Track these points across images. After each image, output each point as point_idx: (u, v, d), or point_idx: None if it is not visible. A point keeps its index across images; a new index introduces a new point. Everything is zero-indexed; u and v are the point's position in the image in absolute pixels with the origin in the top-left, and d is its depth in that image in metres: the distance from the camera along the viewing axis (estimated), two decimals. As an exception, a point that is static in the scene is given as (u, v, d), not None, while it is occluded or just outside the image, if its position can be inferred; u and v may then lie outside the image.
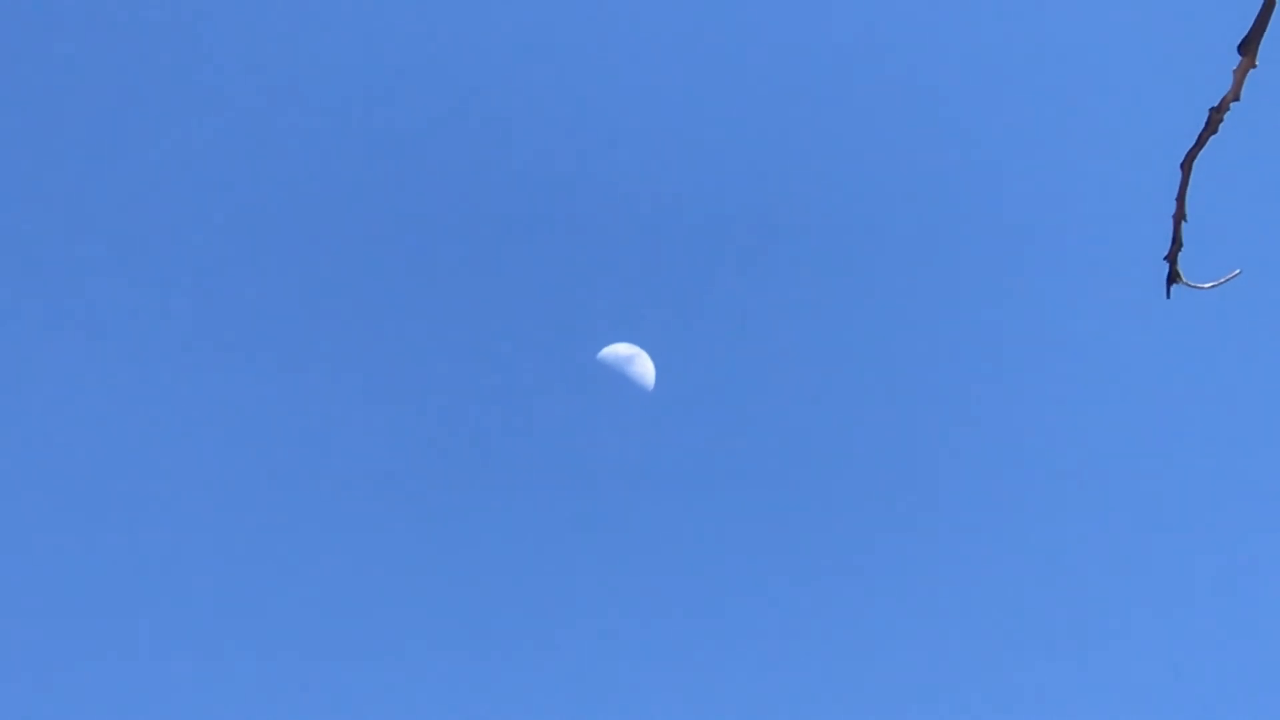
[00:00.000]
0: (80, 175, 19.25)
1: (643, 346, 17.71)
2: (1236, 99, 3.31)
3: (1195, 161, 3.36)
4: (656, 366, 17.68)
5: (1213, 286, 3.42)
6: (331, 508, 19.53)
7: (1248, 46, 3.28)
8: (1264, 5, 3.25)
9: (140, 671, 18.80)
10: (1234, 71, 3.30)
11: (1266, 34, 3.27)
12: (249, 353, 19.50)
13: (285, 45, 19.83)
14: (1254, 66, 3.30)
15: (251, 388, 19.47)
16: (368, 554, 19.51)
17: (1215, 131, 3.34)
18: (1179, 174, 3.36)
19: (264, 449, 19.49)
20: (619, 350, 17.68)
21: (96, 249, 19.34)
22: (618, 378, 17.59)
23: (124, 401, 19.33)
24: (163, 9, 19.41)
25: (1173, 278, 3.40)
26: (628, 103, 20.14)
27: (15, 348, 19.21)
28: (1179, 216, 3.39)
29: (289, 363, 19.60)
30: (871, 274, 19.98)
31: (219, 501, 19.29)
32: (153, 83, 19.52)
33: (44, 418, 19.17)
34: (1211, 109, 3.32)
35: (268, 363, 19.56)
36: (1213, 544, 19.51)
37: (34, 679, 18.55)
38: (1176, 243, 3.40)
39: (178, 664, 18.81)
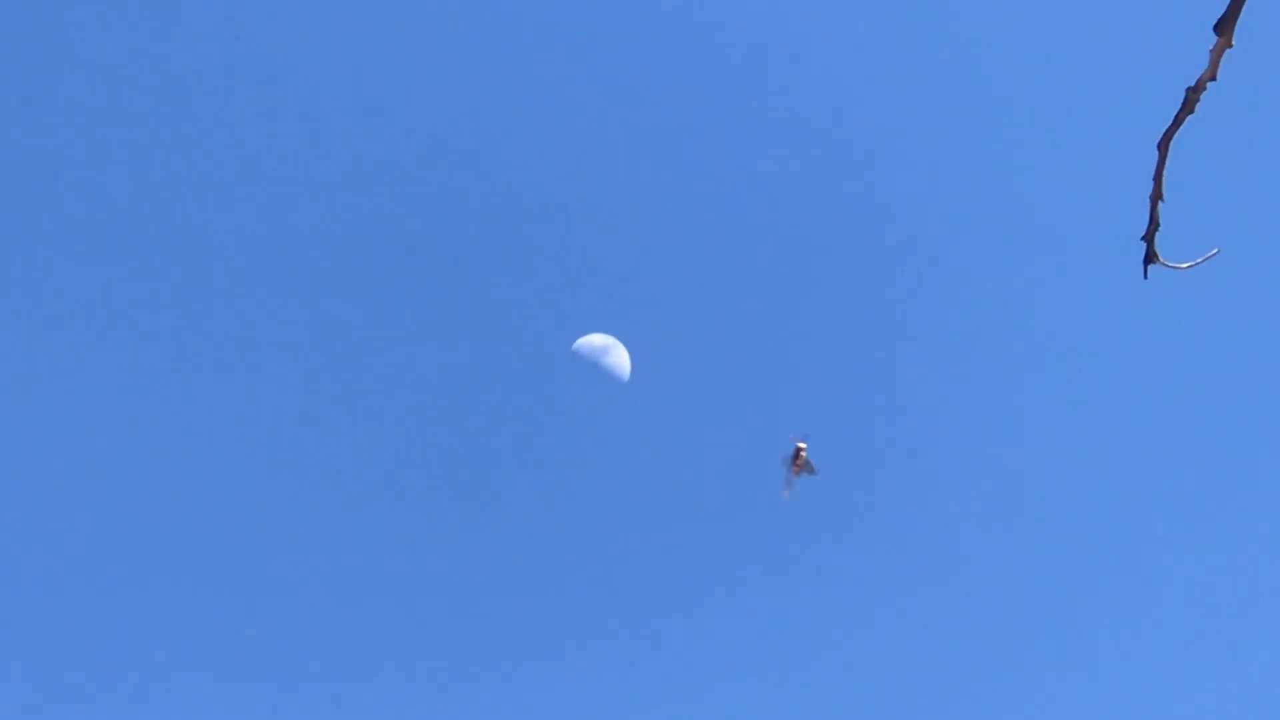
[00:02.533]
0: (78, 176, 19.20)
1: (618, 337, 17.70)
2: (1213, 79, 3.32)
3: (1172, 141, 3.36)
4: (632, 357, 17.66)
5: (1190, 266, 3.42)
6: (304, 505, 19.48)
7: (1224, 26, 3.28)
8: (1240, -15, 3.25)
9: (139, 673, 18.77)
10: (1210, 51, 3.30)
11: (1242, 14, 3.28)
12: (232, 350, 19.46)
13: (278, 51, 19.78)
14: (1230, 46, 3.30)
15: (227, 382, 19.43)
16: (342, 546, 19.48)
17: (1192, 111, 3.34)
18: (1156, 154, 3.37)
19: (241, 438, 19.46)
20: (594, 340, 17.66)
21: (95, 252, 19.30)
22: (593, 368, 17.57)
23: (123, 406, 19.29)
24: (161, 10, 19.37)
25: (1150, 258, 3.40)
26: (602, 98, 20.13)
27: (14, 349, 19.17)
28: (1156, 196, 3.39)
29: (261, 353, 19.55)
30: (850, 265, 20.00)
31: (214, 503, 19.26)
32: (152, 84, 19.47)
33: (43, 419, 19.13)
34: (1188, 89, 3.32)
35: (245, 353, 19.52)
36: (1206, 536, 19.58)
37: (33, 678, 18.53)
38: (1154, 223, 3.40)
39: (176, 667, 18.80)
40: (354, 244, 19.70)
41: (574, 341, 17.79)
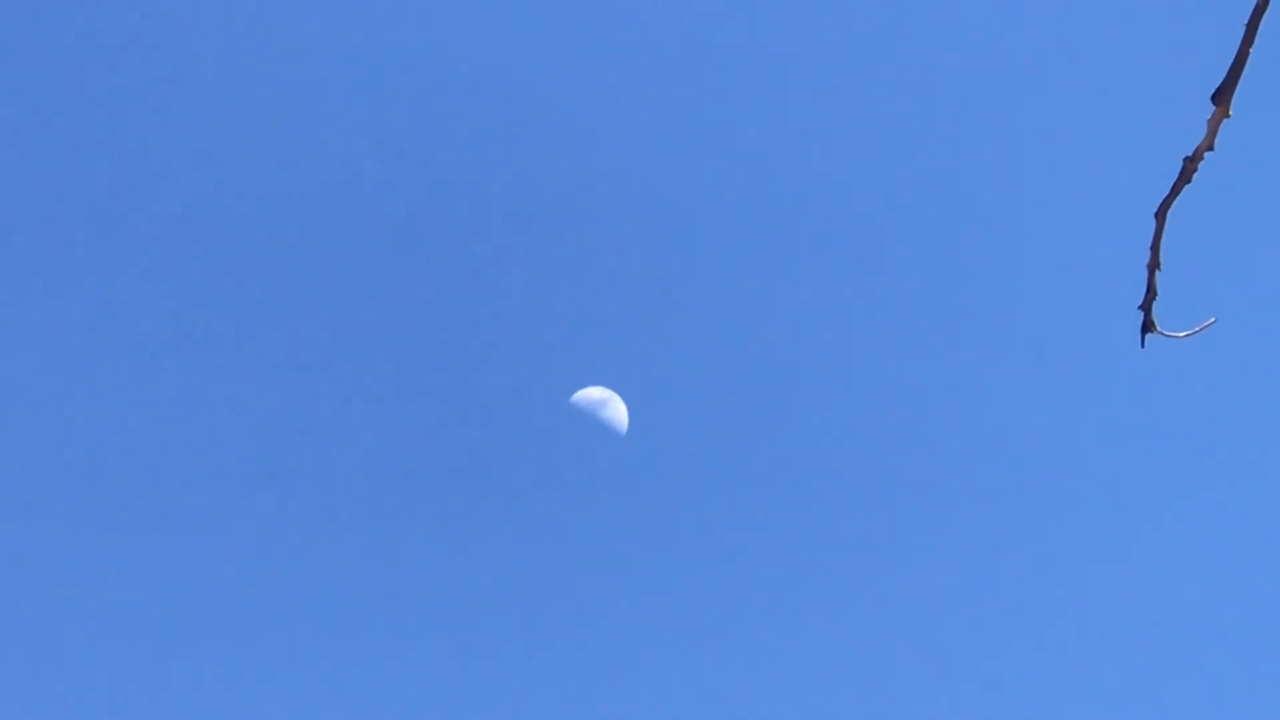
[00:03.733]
0: (76, 172, 19.23)
1: (616, 390, 17.71)
2: (1210, 148, 3.32)
3: (1170, 210, 3.36)
4: (630, 410, 17.67)
5: (1187, 335, 3.42)
6: (300, 552, 19.47)
7: (1222, 96, 3.29)
8: (1238, 55, 3.26)
9: (138, 672, 18.75)
10: (1208, 120, 3.30)
11: (1240, 83, 3.28)
12: (234, 370, 19.47)
13: (285, 49, 19.83)
14: (1228, 116, 3.30)
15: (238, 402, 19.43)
16: (341, 594, 19.45)
17: (1189, 180, 3.34)
18: (1153, 223, 3.37)
19: (244, 471, 19.44)
20: (592, 394, 17.67)
21: (94, 248, 19.32)
22: (590, 422, 17.57)
23: (120, 402, 19.29)
24: (158, 9, 19.42)
25: (1147, 327, 3.40)
26: (601, 146, 20.19)
27: (12, 347, 19.17)
28: (1153, 265, 3.39)
29: (257, 392, 19.56)
30: (847, 316, 20.02)
31: (211, 504, 19.25)
32: (150, 82, 19.52)
33: (40, 416, 19.13)
34: (1186, 158, 3.33)
35: (240, 383, 19.52)
36: (1205, 537, 19.59)
37: (33, 678, 18.50)
38: (1151, 292, 3.40)
39: (174, 665, 18.78)
40: (352, 298, 19.72)
41: (571, 395, 17.80)
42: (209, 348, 19.44)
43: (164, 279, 19.42)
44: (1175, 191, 3.34)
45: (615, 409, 17.59)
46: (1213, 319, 3.44)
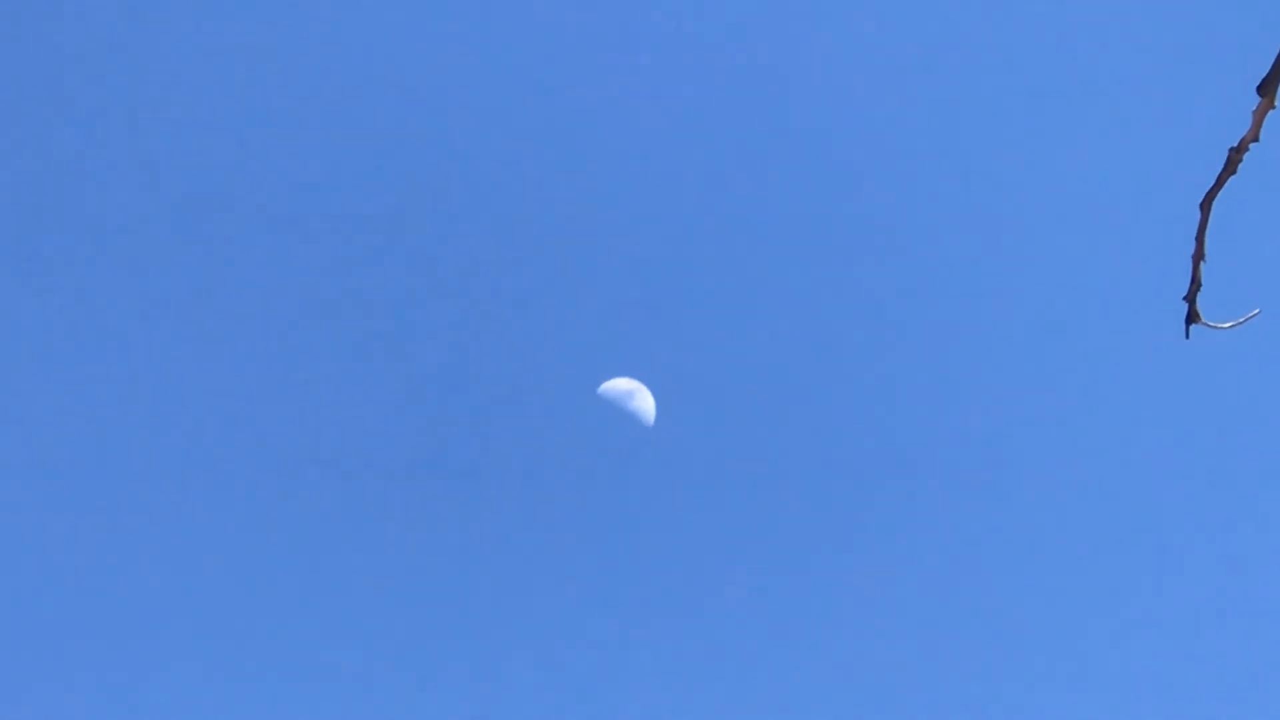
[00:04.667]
0: (73, 170, 19.27)
1: (643, 381, 17.72)
2: (1256, 140, 3.33)
3: (1215, 201, 3.38)
4: (657, 401, 17.68)
5: (1232, 326, 3.43)
6: (330, 545, 19.50)
7: (1267, 88, 3.30)
8: (1283, 47, 3.26)
9: (136, 670, 18.78)
10: (1253, 113, 3.32)
11: (1286, 75, 3.29)
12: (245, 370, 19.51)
13: (286, 49, 19.87)
14: (1273, 108, 3.32)
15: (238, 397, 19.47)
16: (371, 586, 19.47)
17: (1234, 172, 3.35)
18: (1198, 214, 3.38)
19: (264, 468, 19.47)
20: (619, 385, 17.68)
21: (92, 246, 19.36)
22: (618, 413, 17.59)
23: (120, 398, 19.33)
24: (155, 8, 19.45)
25: (1192, 317, 3.42)
26: (629, 140, 20.19)
27: (10, 344, 19.22)
28: (1198, 256, 3.40)
29: (287, 389, 19.59)
30: (872, 307, 20.01)
31: (207, 502, 19.28)
32: (147, 80, 19.56)
33: (38, 413, 19.17)
34: (1231, 149, 3.34)
35: (264, 383, 19.56)
36: (1203, 539, 19.54)
37: (31, 678, 18.53)
38: (1195, 282, 3.41)
39: (172, 662, 18.80)
40: (381, 286, 19.75)
41: (599, 386, 17.81)
42: (244, 340, 19.48)
43: (176, 273, 19.46)
44: (1220, 183, 3.35)
45: (643, 400, 17.61)
46: (1257, 310, 3.45)
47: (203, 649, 18.95)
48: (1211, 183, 3.36)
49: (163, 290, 19.40)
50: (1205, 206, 3.38)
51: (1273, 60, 3.28)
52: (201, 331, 19.38)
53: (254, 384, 19.47)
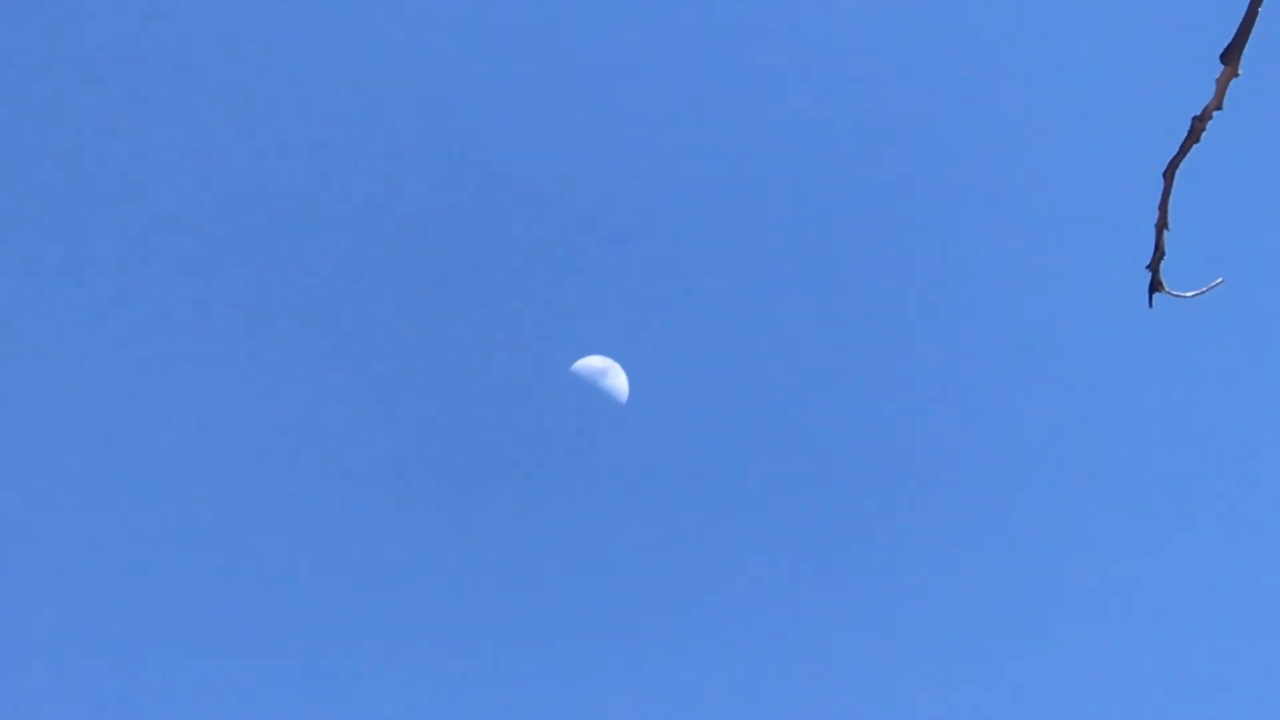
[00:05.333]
0: (69, 170, 19.22)
1: (617, 359, 17.70)
2: (1219, 107, 3.31)
3: (1178, 170, 3.36)
4: (630, 379, 17.66)
5: (1195, 295, 3.41)
6: (294, 517, 19.47)
7: (1230, 55, 3.28)
8: (1247, 13, 3.25)
9: (134, 671, 18.77)
10: (1217, 80, 3.30)
11: (1249, 42, 3.27)
12: (227, 356, 19.47)
13: (278, 47, 19.80)
14: (1237, 75, 3.29)
15: (215, 387, 19.43)
16: (334, 557, 19.46)
17: (1198, 140, 3.33)
18: (1161, 182, 3.36)
19: (234, 444, 19.45)
20: (593, 363, 17.66)
21: (92, 248, 19.31)
22: (591, 390, 17.57)
23: (113, 398, 19.30)
24: (160, 8, 19.40)
25: (1155, 286, 3.40)
26: (600, 115, 20.15)
27: (12, 346, 19.18)
28: (1161, 225, 3.38)
29: (261, 367, 19.55)
30: (850, 282, 20.01)
31: (200, 499, 19.26)
32: (142, 79, 19.49)
33: (40, 417, 19.14)
34: (1194, 117, 3.32)
35: (244, 359, 19.52)
36: (1200, 537, 19.60)
37: (31, 679, 18.53)
38: (1159, 251, 3.39)
39: (169, 662, 18.81)
40: (351, 264, 19.70)
41: (572, 364, 17.79)
42: (198, 323, 19.44)
43: (154, 266, 19.41)
44: (1184, 151, 3.33)
45: (616, 378, 17.60)
46: (1220, 279, 3.43)
47: (191, 648, 18.98)
48: (1175, 151, 3.35)
49: (142, 289, 19.37)
50: (1169, 175, 3.36)
51: (1236, 27, 3.26)
52: (171, 324, 19.34)
53: (223, 370, 19.43)
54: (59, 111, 19.32)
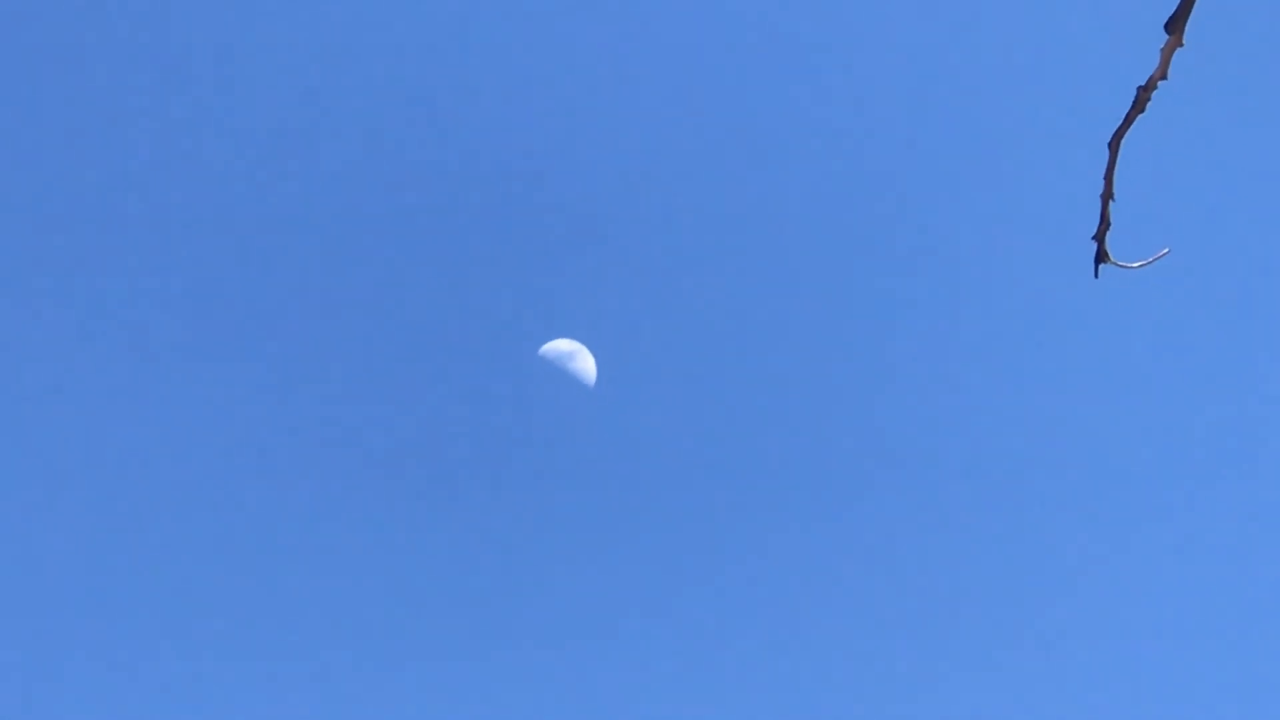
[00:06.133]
0: (74, 174, 19.18)
1: (584, 343, 17.69)
2: (1164, 77, 3.31)
3: (1123, 140, 3.36)
4: (598, 363, 17.66)
5: (1141, 266, 3.42)
6: (270, 504, 19.44)
7: (1174, 25, 3.28)
8: (1190, -17, 3.24)
9: (134, 674, 18.76)
10: (1161, 50, 3.29)
11: (1193, 12, 3.27)
12: (203, 346, 19.43)
13: (252, 51, 19.74)
14: (1181, 45, 3.29)
15: (194, 378, 19.39)
16: (309, 545, 19.44)
17: (1143, 110, 3.33)
18: (1107, 153, 3.36)
19: (209, 434, 19.41)
20: (560, 346, 17.65)
21: (91, 248, 19.27)
22: (559, 374, 17.56)
23: (105, 402, 19.27)
24: (151, 10, 19.34)
25: (1101, 257, 3.40)
26: (567, 96, 20.12)
27: (10, 348, 19.14)
28: (1107, 195, 3.38)
29: (230, 352, 19.51)
30: (816, 264, 20.01)
31: (176, 493, 19.23)
32: (149, 82, 19.44)
33: (40, 418, 19.10)
34: (1139, 87, 3.32)
35: (213, 352, 19.48)
36: (1196, 536, 19.66)
37: (30, 680, 18.50)
38: (1105, 222, 3.39)
39: (167, 665, 18.81)
40: (319, 247, 19.66)
41: (539, 347, 17.78)
42: (174, 317, 19.40)
43: (136, 259, 19.37)
44: (1129, 121, 3.33)
45: (584, 361, 17.59)
46: (1166, 249, 3.43)
47: (183, 650, 18.98)
48: (1120, 121, 3.34)
49: (128, 286, 19.34)
50: (1114, 145, 3.36)
51: (1180, -4, 3.26)
52: (154, 321, 19.30)
53: (192, 365, 19.39)
54: (59, 112, 19.28)
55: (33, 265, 19.16)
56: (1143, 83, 3.32)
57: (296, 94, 19.72)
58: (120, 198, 19.34)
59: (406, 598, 19.41)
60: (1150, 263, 3.41)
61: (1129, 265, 3.40)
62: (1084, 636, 19.35)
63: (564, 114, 20.06)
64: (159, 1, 19.35)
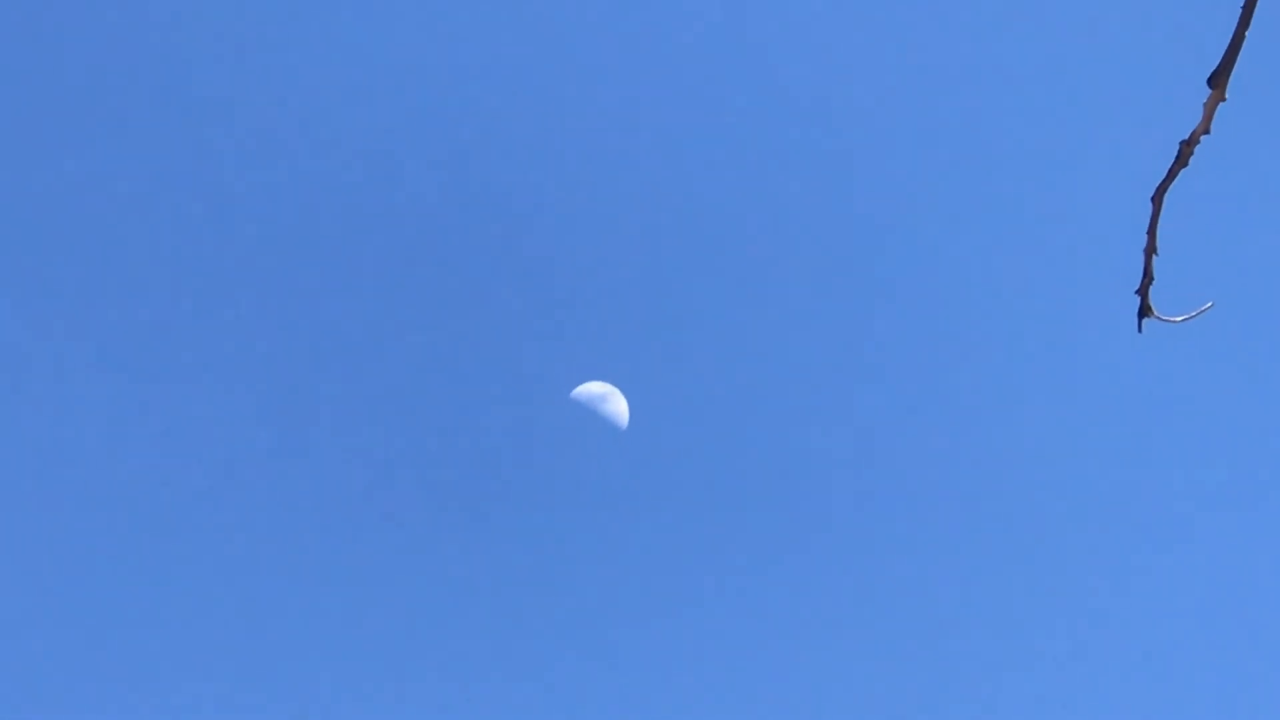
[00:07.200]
0: (65, 180, 19.25)
1: (616, 385, 17.69)
2: (1207, 132, 3.31)
3: (1166, 194, 3.35)
4: (630, 405, 17.65)
5: (1184, 320, 3.41)
6: (300, 547, 19.46)
7: (1217, 79, 3.28)
8: (1233, 38, 3.25)
9: (138, 676, 18.76)
10: (1204, 104, 3.29)
11: (1236, 67, 3.27)
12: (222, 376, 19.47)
13: (271, 53, 19.83)
14: (1223, 100, 3.29)
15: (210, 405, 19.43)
16: (342, 589, 19.44)
17: (1186, 164, 3.33)
18: (1149, 207, 3.36)
19: (229, 461, 19.44)
20: (592, 389, 17.66)
21: (91, 249, 19.33)
22: (591, 416, 17.56)
23: (107, 408, 19.31)
24: (162, 9, 19.43)
25: (1144, 311, 3.39)
26: (602, 142, 20.17)
27: (10, 351, 19.20)
28: (1150, 250, 3.38)
29: (257, 380, 19.55)
30: (849, 307, 20.01)
31: (199, 500, 19.25)
32: (148, 84, 19.52)
33: (41, 420, 19.15)
34: (1182, 142, 3.32)
35: (241, 379, 19.52)
36: (1197, 544, 19.59)
37: (29, 681, 18.52)
38: (1148, 276, 3.39)
39: (166, 671, 18.80)
40: (350, 289, 19.71)
41: (572, 390, 17.79)
42: (196, 341, 19.44)
43: (151, 276, 19.42)
44: (1171, 175, 3.33)
45: (616, 404, 17.59)
46: (1210, 303, 3.43)
47: (188, 660, 18.97)
48: (1163, 175, 3.34)
49: (145, 289, 19.38)
50: (1157, 199, 3.36)
51: (1223, 51, 3.26)
52: (172, 337, 19.35)
53: (220, 384, 19.43)
54: (59, 120, 19.35)
55: (34, 273, 19.23)
56: (1185, 137, 3.31)
57: (341, 128, 19.79)
58: (146, 207, 19.43)
59: (436, 636, 19.40)
60: (1193, 316, 3.41)
61: (1172, 319, 3.39)
62: (1084, 638, 19.29)
63: (600, 158, 20.11)
64: (161, 4, 19.43)
